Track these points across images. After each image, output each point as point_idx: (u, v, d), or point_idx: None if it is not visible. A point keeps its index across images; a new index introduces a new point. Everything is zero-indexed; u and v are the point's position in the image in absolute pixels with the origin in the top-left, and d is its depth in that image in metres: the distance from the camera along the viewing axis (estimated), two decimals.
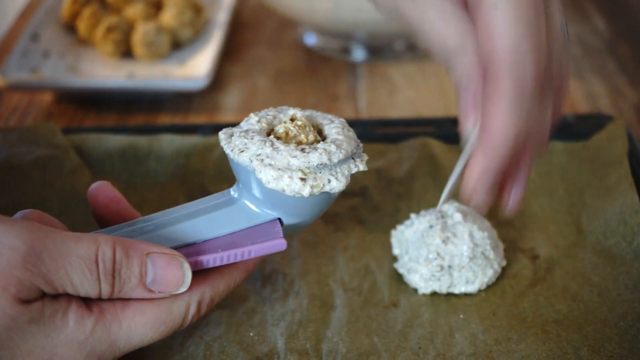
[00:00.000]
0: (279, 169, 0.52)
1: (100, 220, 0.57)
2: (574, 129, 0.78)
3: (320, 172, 0.53)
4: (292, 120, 0.57)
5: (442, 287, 0.63)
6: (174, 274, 0.51)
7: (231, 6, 1.04)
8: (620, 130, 0.74)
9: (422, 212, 0.67)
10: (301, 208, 0.55)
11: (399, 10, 0.52)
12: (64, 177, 0.73)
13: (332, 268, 0.66)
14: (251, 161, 0.53)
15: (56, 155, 0.74)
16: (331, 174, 0.54)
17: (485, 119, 0.49)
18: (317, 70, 0.98)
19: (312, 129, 0.56)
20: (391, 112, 0.90)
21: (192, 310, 0.53)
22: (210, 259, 0.53)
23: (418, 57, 0.99)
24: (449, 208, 0.65)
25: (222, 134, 0.56)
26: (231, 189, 0.57)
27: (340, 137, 0.55)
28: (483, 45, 0.49)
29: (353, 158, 0.55)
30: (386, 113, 0.90)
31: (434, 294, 0.64)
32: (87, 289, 0.48)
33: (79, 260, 0.48)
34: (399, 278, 0.65)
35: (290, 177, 0.52)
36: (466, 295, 0.64)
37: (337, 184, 0.54)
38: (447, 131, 0.79)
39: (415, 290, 0.64)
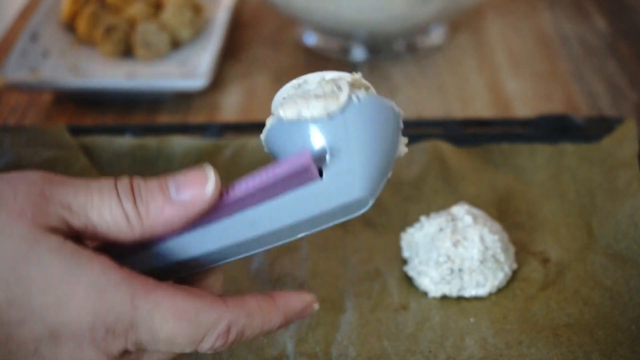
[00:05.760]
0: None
1: None
2: (585, 131, 0.78)
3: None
4: None
5: (452, 290, 0.63)
6: (197, 174, 0.49)
7: (231, 6, 1.03)
8: (631, 132, 0.74)
9: (432, 215, 0.66)
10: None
11: None
12: None
13: (342, 271, 0.66)
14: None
15: (64, 156, 0.74)
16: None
17: None
18: (317, 70, 0.97)
19: None
20: None
21: (221, 328, 0.49)
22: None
23: (418, 57, 0.99)
24: (460, 211, 0.65)
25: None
26: None
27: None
28: None
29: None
30: None
31: (444, 297, 0.64)
32: (110, 213, 0.47)
33: (98, 185, 0.47)
34: (409, 281, 0.65)
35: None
36: (477, 298, 0.63)
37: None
38: (456, 132, 0.79)
39: (425, 293, 0.64)
